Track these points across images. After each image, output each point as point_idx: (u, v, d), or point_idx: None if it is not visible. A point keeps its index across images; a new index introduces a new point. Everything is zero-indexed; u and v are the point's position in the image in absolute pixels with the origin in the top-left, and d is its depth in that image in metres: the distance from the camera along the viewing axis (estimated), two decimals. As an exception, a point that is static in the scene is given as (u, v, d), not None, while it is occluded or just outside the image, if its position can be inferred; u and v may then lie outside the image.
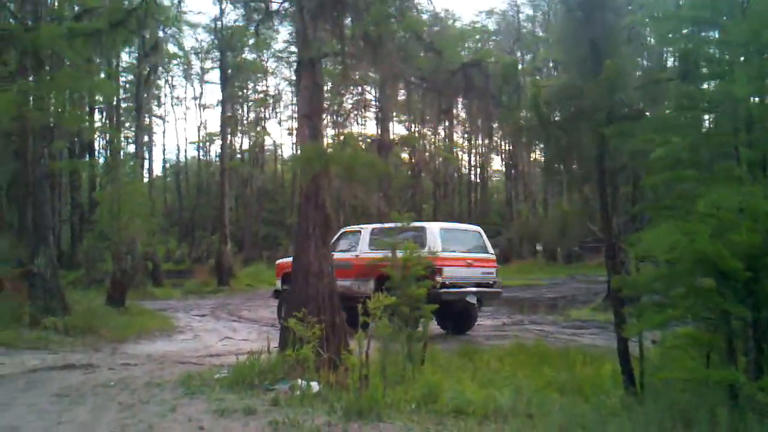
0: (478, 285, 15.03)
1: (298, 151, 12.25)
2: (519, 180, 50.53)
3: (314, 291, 9.21)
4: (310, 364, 7.91)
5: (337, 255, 14.39)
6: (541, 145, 9.54)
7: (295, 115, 56.26)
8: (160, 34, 32.78)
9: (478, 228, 16.62)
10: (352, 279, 15.21)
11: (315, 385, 7.86)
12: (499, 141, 53.76)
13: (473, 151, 55.61)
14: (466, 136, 54.32)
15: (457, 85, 9.80)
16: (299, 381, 7.95)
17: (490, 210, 56.06)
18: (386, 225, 14.53)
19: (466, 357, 10.93)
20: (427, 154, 51.87)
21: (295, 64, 52.26)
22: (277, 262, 19.07)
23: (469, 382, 8.54)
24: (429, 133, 52.57)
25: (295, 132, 55.90)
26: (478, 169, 57.06)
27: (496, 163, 64.40)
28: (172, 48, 43.47)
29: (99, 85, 14.84)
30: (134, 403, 7.46)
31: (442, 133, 53.64)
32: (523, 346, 11.70)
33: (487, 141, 53.32)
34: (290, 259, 18.35)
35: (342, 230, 17.33)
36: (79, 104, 27.50)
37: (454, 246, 14.81)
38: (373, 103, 46.95)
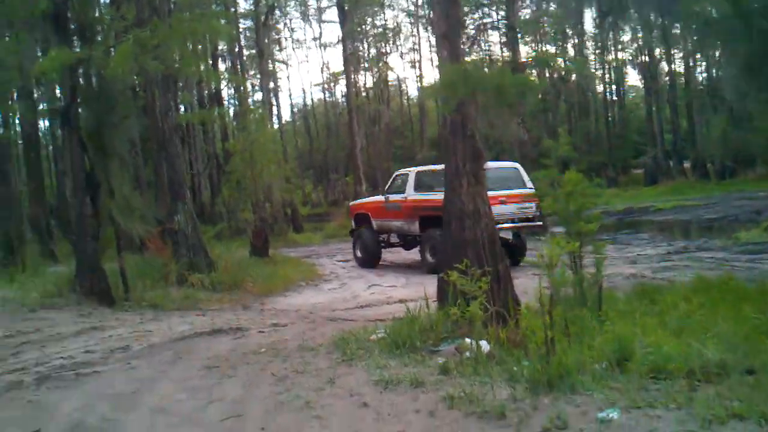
0: (513, 220, 15.51)
1: (438, 76, 10.93)
2: (660, 94, 46.88)
3: (471, 235, 8.02)
4: (478, 322, 6.77)
5: (392, 197, 17.26)
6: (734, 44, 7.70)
7: (416, 47, 55.21)
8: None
9: (515, 164, 16.96)
10: (402, 220, 17.00)
11: (485, 345, 6.77)
12: (636, 53, 50.16)
13: (606, 66, 51.97)
14: (597, 50, 50.81)
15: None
16: (466, 340, 6.89)
17: (629, 129, 52.88)
18: (430, 168, 16.75)
19: (645, 297, 9.49)
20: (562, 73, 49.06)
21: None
22: (349, 203, 20.83)
23: (660, 331, 7.17)
24: (555, 50, 49.45)
25: (416, 65, 54.72)
26: (613, 86, 53.41)
27: (633, 78, 60.72)
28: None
29: (217, 28, 13.99)
30: (288, 374, 6.64)
31: (571, 51, 50.41)
32: (708, 280, 10.08)
33: (621, 54, 49.90)
34: (362, 200, 20.08)
35: (395, 173, 18.63)
36: (200, 53, 27.09)
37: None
38: (498, 23, 44.64)
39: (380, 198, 18.21)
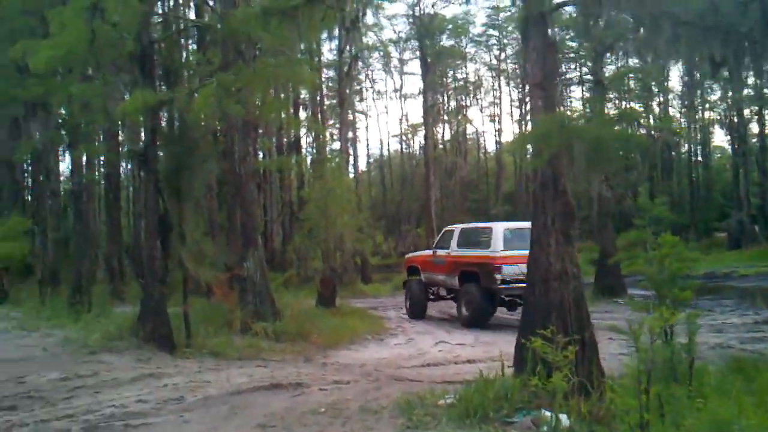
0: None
1: (530, 127, 10.43)
2: (748, 156, 45.08)
3: (557, 298, 7.43)
4: (560, 394, 6.15)
5: (438, 252, 18.00)
6: None
7: (496, 101, 54.93)
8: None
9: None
10: (444, 274, 17.71)
11: (564, 419, 6.15)
12: (724, 112, 48.57)
13: (692, 125, 50.44)
14: (684, 108, 49.35)
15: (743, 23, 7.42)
16: (544, 412, 6.27)
17: (714, 190, 51.00)
18: (472, 225, 18.56)
19: (740, 373, 8.61)
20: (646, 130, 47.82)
21: (496, 46, 51.55)
22: (406, 256, 21.59)
23: (761, 413, 6.37)
24: (640, 106, 48.17)
25: (496, 118, 54.33)
26: (698, 146, 51.73)
27: (718, 138, 58.81)
28: (371, 37, 43.27)
29: (301, 75, 13.91)
30: (347, 441, 6.13)
31: (656, 108, 49.06)
32: None
33: (708, 113, 48.37)
34: (415, 254, 20.97)
35: (444, 229, 19.68)
36: (282, 100, 27.37)
37: (518, 244, 14.86)
38: (583, 78, 43.97)
39: (429, 252, 18.89)
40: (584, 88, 45.40)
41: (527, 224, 16.57)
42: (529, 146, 8.63)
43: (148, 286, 11.72)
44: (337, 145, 37.78)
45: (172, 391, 8.33)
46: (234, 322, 13.05)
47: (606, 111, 30.92)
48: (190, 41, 21.56)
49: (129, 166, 32.62)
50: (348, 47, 31.74)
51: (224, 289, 13.52)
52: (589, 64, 21.65)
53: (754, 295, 23.34)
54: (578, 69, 44.93)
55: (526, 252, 14.34)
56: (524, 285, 13.89)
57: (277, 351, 12.13)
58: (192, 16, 19.94)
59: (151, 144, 12.60)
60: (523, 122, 50.36)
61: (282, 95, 26.67)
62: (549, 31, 7.58)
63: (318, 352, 12.51)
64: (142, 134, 20.69)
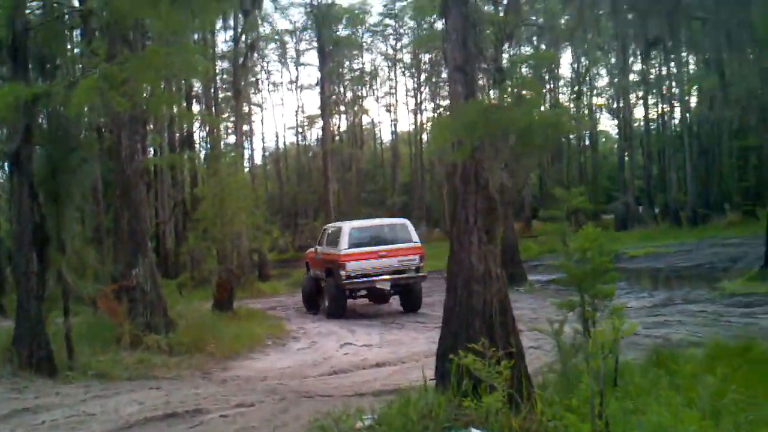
0: (394, 272, 17.08)
1: (449, 114, 9.75)
2: (634, 139, 46.60)
3: (480, 302, 6.81)
4: (492, 413, 5.61)
5: (318, 248, 19.06)
6: None
7: (392, 91, 54.58)
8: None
9: (402, 221, 18.99)
10: (320, 270, 18.68)
11: (496, 439, 5.61)
12: (611, 98, 50.01)
13: (580, 110, 51.68)
14: (573, 93, 50.38)
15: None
16: (473, 431, 5.71)
17: (601, 173, 52.62)
18: (334, 225, 19.84)
19: (660, 367, 8.31)
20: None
21: (391, 37, 51.02)
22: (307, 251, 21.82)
23: (692, 414, 6.02)
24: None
25: (392, 108, 53.99)
26: (586, 132, 53.08)
27: (604, 124, 60.83)
28: (267, 27, 42.13)
29: (192, 64, 12.74)
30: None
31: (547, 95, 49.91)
32: (726, 346, 8.96)
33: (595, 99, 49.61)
34: (311, 249, 20.90)
35: (323, 228, 21.07)
36: (174, 93, 25.82)
37: (366, 242, 17.39)
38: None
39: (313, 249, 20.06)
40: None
41: (375, 222, 19.47)
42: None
43: (23, 304, 10.38)
44: (232, 139, 36.52)
45: (50, 430, 7.25)
46: (123, 336, 11.83)
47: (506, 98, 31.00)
48: (75, 30, 19.83)
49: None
50: (244, 37, 30.51)
51: (109, 303, 12.23)
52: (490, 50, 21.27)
53: (645, 276, 23.97)
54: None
55: (372, 249, 17.07)
56: (368, 280, 16.98)
57: (171, 366, 11.06)
58: (75, 2, 18.20)
59: (24, 143, 11.20)
60: (418, 112, 50.39)
61: (173, 87, 25.21)
62: (469, 8, 6.92)
63: (216, 365, 11.57)
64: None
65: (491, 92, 23.33)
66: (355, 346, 13.25)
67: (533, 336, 8.85)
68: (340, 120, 52.95)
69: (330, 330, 15.61)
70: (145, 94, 12.49)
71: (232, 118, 38.34)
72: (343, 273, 16.79)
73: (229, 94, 38.57)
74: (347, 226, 18.05)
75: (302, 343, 14.12)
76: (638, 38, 8.84)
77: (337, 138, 49.58)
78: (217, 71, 36.64)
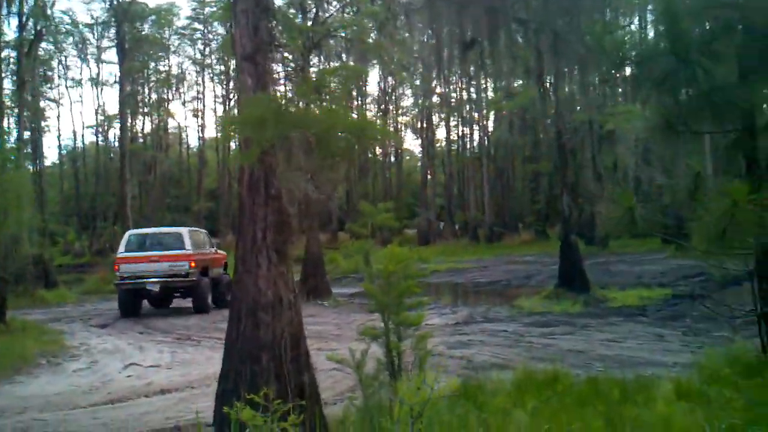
0: (164, 276, 18.49)
1: (237, 111, 8.43)
2: (437, 159, 48.01)
3: (268, 335, 5.65)
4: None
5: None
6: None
7: (200, 95, 52.33)
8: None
9: (179, 230, 20.16)
10: None
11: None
12: (415, 118, 51.18)
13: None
14: (379, 111, 50.89)
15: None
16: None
17: (405, 189, 53.71)
18: (140, 231, 21.21)
19: (468, 399, 7.59)
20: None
21: (200, 41, 48.88)
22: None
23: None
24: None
25: (199, 114, 51.75)
26: (392, 148, 53.98)
27: (409, 143, 62.28)
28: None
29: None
30: None
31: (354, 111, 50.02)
32: (533, 375, 8.48)
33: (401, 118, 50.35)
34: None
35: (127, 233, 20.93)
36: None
37: (145, 247, 18.97)
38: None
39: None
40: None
41: (154, 230, 21.14)
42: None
43: None
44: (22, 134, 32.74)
45: None
46: None
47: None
48: None
49: None
50: (31, 23, 27.38)
51: None
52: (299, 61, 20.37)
53: (447, 291, 24.10)
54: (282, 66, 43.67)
55: (145, 254, 18.44)
56: (141, 281, 18.31)
57: None
58: None
59: None
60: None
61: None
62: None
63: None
64: None
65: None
66: (142, 367, 11.64)
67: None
68: (144, 121, 49.96)
69: (117, 347, 13.88)
70: None
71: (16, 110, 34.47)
72: (117, 274, 18.55)
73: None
74: (127, 234, 20.04)
75: (81, 363, 12.25)
76: (454, 38, 8.14)
77: (140, 141, 46.62)
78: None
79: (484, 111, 44.30)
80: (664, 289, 19.90)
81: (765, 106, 5.34)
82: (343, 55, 38.94)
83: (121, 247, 19.13)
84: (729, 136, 4.92)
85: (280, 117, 4.87)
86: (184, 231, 19.89)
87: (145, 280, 18.49)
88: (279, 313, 5.70)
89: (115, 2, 33.93)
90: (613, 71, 6.01)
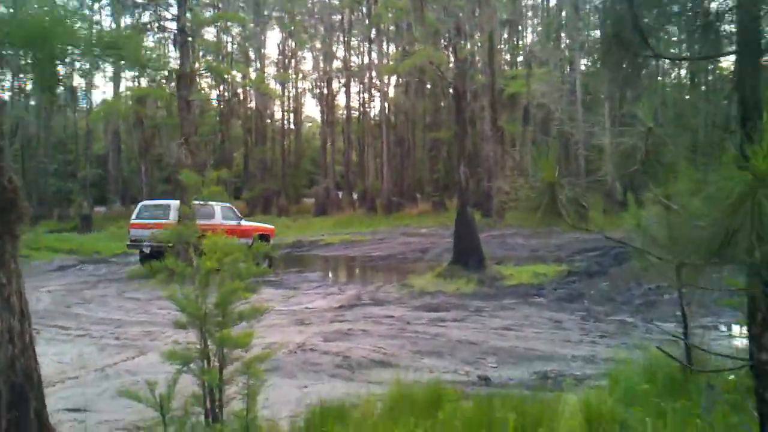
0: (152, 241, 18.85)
1: None
2: (338, 126, 45.77)
3: None
4: None
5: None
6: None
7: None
8: None
9: (169, 202, 20.85)
10: None
11: None
12: (314, 83, 48.69)
13: (286, 93, 49.62)
14: (278, 76, 48.01)
15: None
16: None
17: (304, 157, 51.50)
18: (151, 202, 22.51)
19: (325, 426, 5.60)
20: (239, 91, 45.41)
21: None
22: None
23: None
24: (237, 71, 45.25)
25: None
26: (291, 114, 51.27)
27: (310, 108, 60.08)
28: None
29: None
30: None
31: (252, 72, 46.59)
32: (411, 394, 6.46)
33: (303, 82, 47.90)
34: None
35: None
36: None
37: (148, 216, 20.43)
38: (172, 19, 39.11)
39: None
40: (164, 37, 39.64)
41: (155, 202, 22.37)
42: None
43: None
44: None
45: None
46: None
47: (197, 66, 27.32)
48: None
49: None
50: None
51: None
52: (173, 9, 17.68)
53: (339, 266, 22.45)
54: (157, 13, 38.29)
55: (145, 222, 19.94)
56: (140, 243, 19.73)
57: None
58: None
59: None
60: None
61: None
62: None
63: None
64: None
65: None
66: None
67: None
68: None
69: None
70: None
71: None
72: (129, 236, 20.77)
73: None
74: (141, 203, 22.08)
75: None
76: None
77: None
78: None
79: (385, 77, 42.00)
80: (561, 265, 18.76)
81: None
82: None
83: (134, 215, 21.24)
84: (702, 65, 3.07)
85: None
86: (172, 203, 20.52)
87: (141, 243, 20.03)
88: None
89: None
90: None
